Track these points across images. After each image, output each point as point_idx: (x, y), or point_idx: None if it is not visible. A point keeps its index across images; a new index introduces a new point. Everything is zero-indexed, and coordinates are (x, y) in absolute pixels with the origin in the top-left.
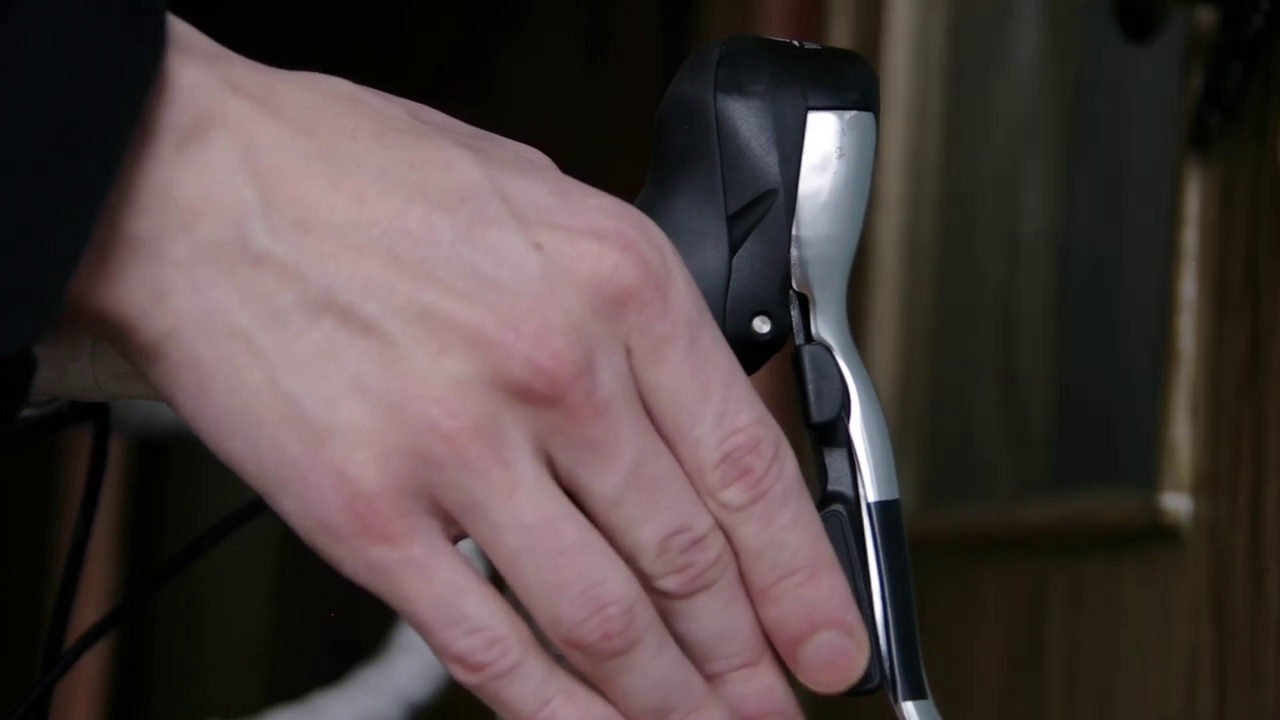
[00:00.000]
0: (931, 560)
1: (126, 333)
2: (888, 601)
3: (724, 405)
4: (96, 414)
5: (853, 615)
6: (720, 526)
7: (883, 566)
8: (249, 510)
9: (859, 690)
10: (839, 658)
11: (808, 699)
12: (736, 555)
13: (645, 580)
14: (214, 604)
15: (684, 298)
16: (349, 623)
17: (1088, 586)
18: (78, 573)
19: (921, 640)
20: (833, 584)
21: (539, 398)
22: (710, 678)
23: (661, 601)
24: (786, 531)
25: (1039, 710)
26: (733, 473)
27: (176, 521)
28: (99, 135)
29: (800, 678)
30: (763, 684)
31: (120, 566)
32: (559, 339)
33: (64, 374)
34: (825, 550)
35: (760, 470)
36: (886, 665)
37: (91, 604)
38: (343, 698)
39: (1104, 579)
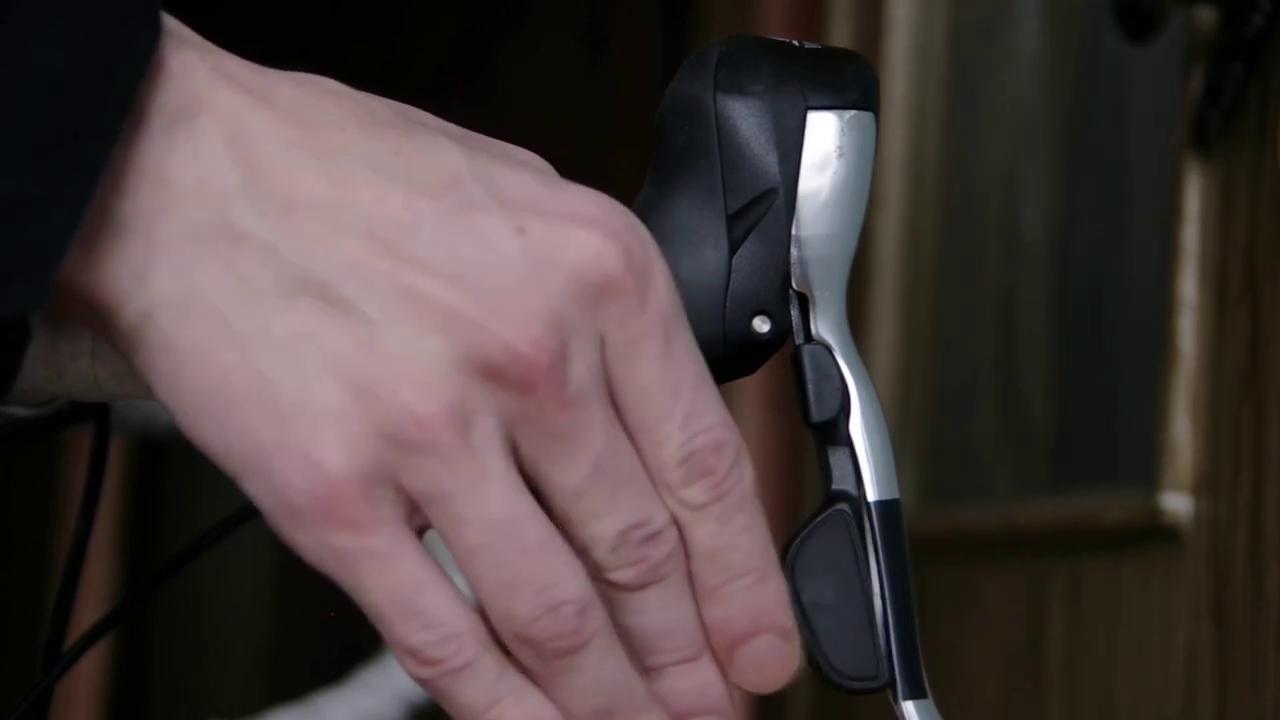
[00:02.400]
0: (931, 560)
1: (110, 317)
2: (888, 600)
3: (693, 405)
4: (96, 414)
5: (791, 621)
6: (675, 524)
7: (883, 566)
8: (249, 510)
9: (871, 688)
10: (777, 662)
11: (808, 698)
12: (687, 554)
13: (597, 571)
14: (214, 604)
15: (663, 294)
16: (349, 623)
17: (1087, 586)
18: (78, 573)
19: (921, 640)
20: (778, 589)
21: (512, 384)
22: (649, 670)
23: (609, 592)
24: (740, 534)
25: (1039, 710)
26: (695, 472)
27: (176, 521)
28: (98, 113)
29: (732, 677)
30: (702, 679)
31: (120, 566)
32: (537, 326)
33: (64, 374)
34: (772, 556)
35: (722, 472)
36: (887, 664)
37: (91, 604)
38: (343, 698)
39: (1104, 579)
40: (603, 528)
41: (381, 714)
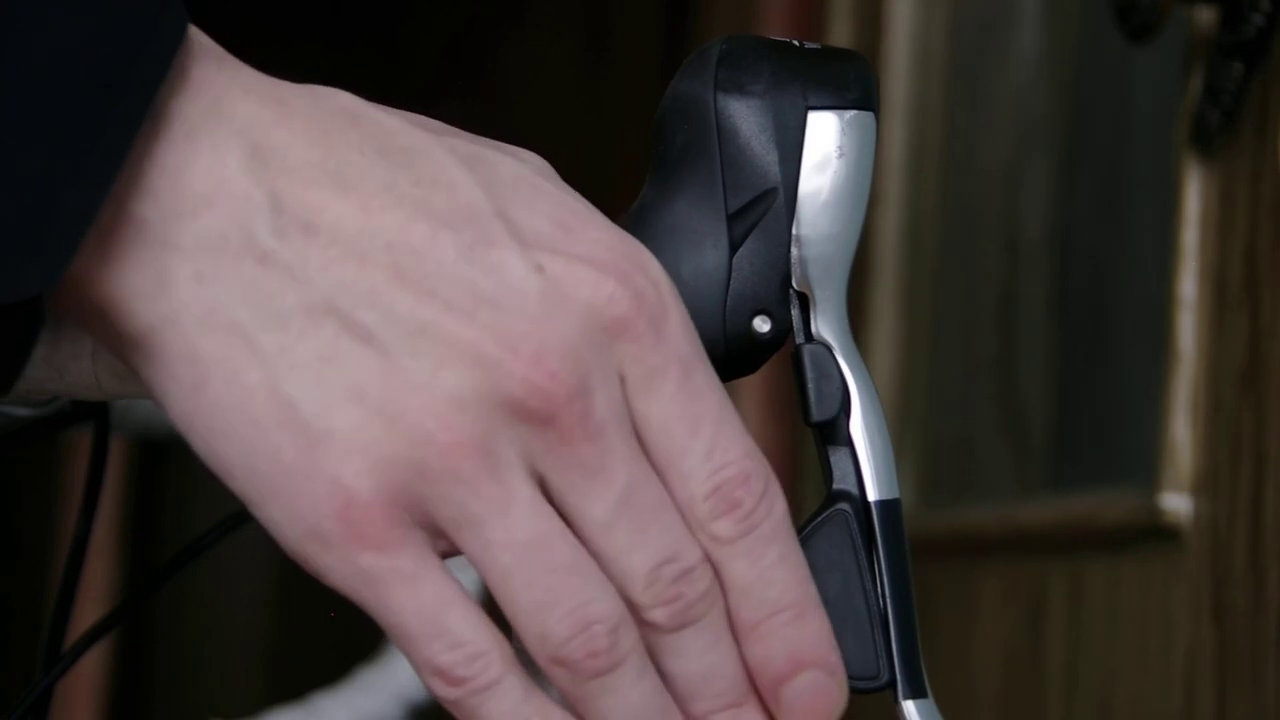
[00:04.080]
0: (931, 560)
1: (123, 318)
2: (889, 600)
3: (715, 439)
4: (96, 414)
5: (835, 656)
6: (709, 561)
7: (884, 565)
8: (249, 510)
9: (871, 688)
10: (822, 699)
11: None
12: (724, 592)
13: (634, 612)
14: (214, 604)
15: (678, 333)
16: (349, 623)
17: (1088, 586)
18: (78, 573)
19: (921, 640)
20: (819, 623)
21: (534, 417)
22: (694, 719)
23: (649, 636)
24: (775, 568)
25: (1038, 710)
26: (722, 505)
27: (176, 521)
28: (125, 91)
29: (779, 719)
30: None
31: (120, 566)
32: (555, 360)
33: (64, 374)
34: (811, 590)
35: (750, 504)
36: (887, 664)
37: (91, 604)
38: (343, 698)
39: (1104, 579)
40: (634, 562)
41: (381, 714)
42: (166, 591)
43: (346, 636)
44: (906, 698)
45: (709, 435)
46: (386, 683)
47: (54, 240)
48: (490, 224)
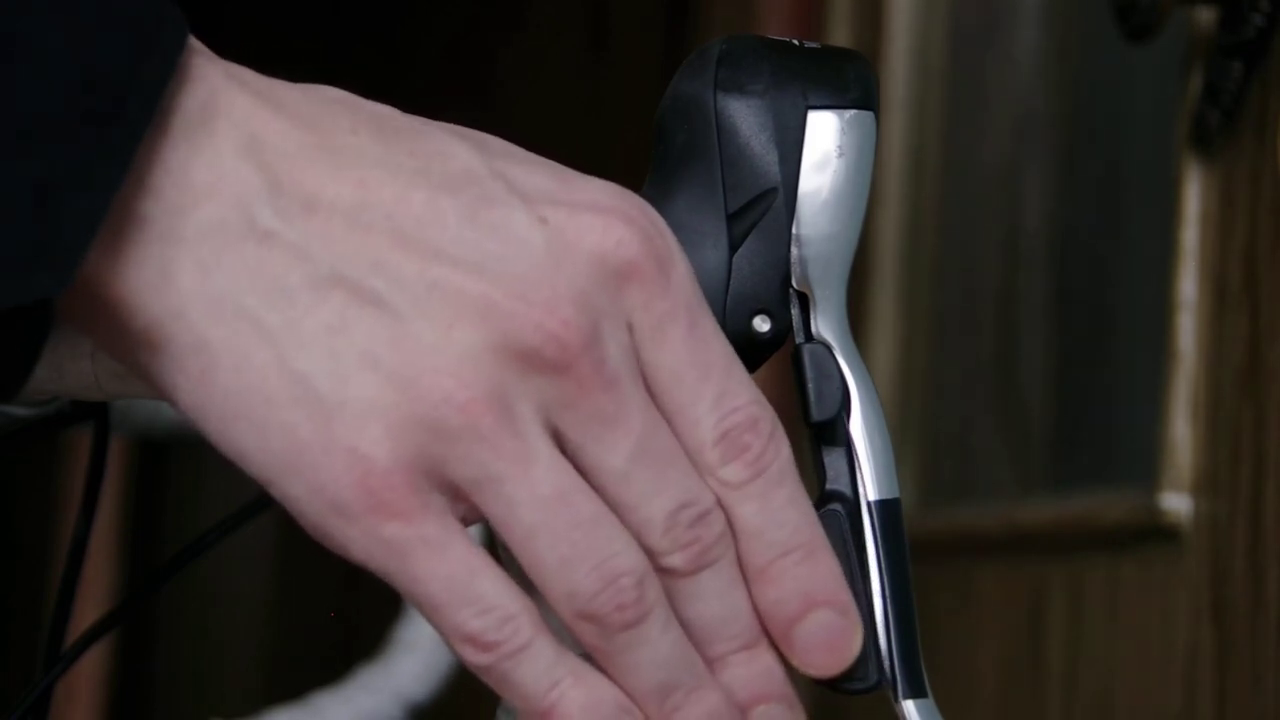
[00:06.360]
0: (931, 560)
1: (128, 316)
2: (888, 600)
3: (723, 385)
4: (96, 414)
5: (847, 595)
6: (719, 505)
7: (883, 565)
8: (249, 510)
9: (860, 689)
10: (836, 637)
11: (804, 697)
12: (735, 536)
13: (651, 559)
14: (214, 604)
15: (684, 278)
16: (349, 623)
17: (1087, 586)
18: (78, 573)
19: (921, 640)
20: (829, 563)
21: (549, 366)
22: (711, 661)
23: (665, 583)
24: (784, 509)
25: (1038, 710)
26: (732, 450)
27: (176, 521)
28: (127, 101)
29: (795, 661)
30: (763, 665)
31: (120, 566)
32: (568, 308)
33: (64, 374)
34: (819, 531)
35: (758, 448)
36: (887, 664)
37: (91, 604)
38: (343, 698)
39: (1104, 579)
40: (653, 509)
41: (381, 714)
42: (166, 591)
43: (346, 636)
44: (906, 697)
45: (717, 381)
46: (386, 683)
47: (60, 246)
48: (489, 184)
